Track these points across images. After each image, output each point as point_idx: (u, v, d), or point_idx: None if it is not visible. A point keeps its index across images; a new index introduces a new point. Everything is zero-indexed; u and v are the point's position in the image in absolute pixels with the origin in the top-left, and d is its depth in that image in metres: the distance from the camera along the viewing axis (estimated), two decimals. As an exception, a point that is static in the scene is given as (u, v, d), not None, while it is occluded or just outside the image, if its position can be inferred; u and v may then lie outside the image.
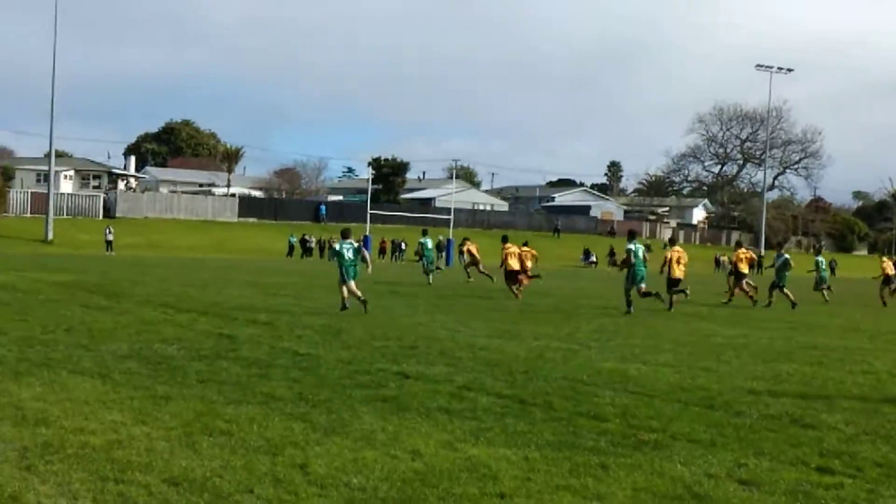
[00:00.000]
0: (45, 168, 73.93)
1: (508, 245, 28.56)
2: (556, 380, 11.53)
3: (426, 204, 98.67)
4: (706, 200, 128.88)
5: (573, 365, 12.99)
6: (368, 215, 64.78)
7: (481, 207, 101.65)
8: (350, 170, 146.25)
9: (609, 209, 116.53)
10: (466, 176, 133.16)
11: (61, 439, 7.41)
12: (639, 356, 14.35)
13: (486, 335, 16.51)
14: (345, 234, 21.55)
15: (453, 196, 76.32)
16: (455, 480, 6.76)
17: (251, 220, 79.37)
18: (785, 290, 28.83)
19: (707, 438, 8.51)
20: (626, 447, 8.02)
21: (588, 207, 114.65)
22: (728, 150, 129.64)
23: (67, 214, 72.75)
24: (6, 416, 8.20)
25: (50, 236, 63.67)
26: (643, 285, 23.41)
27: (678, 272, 25.10)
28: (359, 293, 20.32)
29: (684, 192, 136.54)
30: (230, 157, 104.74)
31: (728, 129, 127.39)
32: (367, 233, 63.52)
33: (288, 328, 16.30)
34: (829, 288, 34.01)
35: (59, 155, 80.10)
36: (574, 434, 8.43)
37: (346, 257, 20.71)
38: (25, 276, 27.89)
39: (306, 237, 69.19)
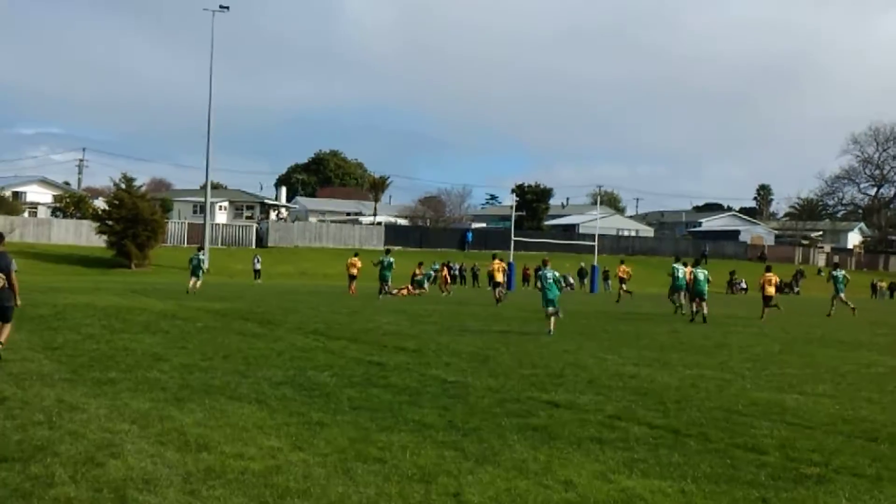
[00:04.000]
0: (201, 199, 76.84)
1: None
2: (711, 410, 11.25)
3: (570, 230, 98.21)
4: (862, 224, 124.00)
5: (727, 395, 12.66)
6: (512, 242, 64.76)
7: (626, 233, 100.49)
8: (493, 197, 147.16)
9: (759, 234, 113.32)
10: (611, 202, 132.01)
11: (222, 464, 7.64)
12: (795, 386, 13.87)
13: (635, 363, 16.27)
14: (200, 248, 44.42)
15: (598, 222, 75.65)
16: (610, 512, 6.66)
17: (397, 248, 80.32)
18: None
19: (873, 473, 8.16)
20: (787, 481, 7.75)
21: (737, 232, 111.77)
22: (885, 172, 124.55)
23: (222, 244, 75.33)
24: (170, 441, 8.51)
25: (206, 266, 65.89)
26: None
27: (498, 277, 39.78)
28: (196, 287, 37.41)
29: (838, 215, 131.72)
30: (377, 187, 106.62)
31: (885, 150, 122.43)
32: (511, 259, 63.55)
33: (435, 355, 16.42)
34: None
35: (214, 187, 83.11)
36: (732, 467, 8.19)
37: (197, 262, 39.17)
38: (184, 304, 28.94)
39: (450, 264, 69.55)
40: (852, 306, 35.12)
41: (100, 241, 65.13)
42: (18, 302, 14.07)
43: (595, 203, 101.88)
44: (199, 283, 38.52)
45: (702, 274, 30.58)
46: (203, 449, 8.20)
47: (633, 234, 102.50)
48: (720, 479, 7.76)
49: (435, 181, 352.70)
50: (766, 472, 8.04)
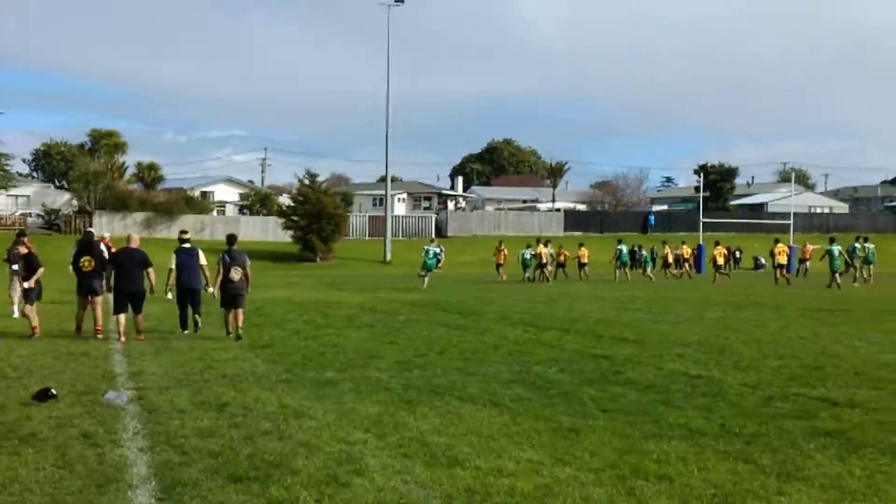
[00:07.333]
0: (379, 192, 77.41)
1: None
2: None
3: (756, 209, 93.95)
4: None
5: None
6: (701, 223, 62.07)
7: (818, 210, 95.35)
8: (669, 179, 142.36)
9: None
10: (800, 178, 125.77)
11: (484, 484, 6.56)
12: None
13: (893, 350, 14.42)
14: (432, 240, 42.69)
15: (792, 199, 71.70)
16: None
17: (577, 233, 78.62)
18: None
19: None
20: None
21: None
22: None
23: (402, 235, 75.45)
24: (414, 453, 7.50)
25: (388, 257, 66.14)
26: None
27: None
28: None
29: None
30: (555, 173, 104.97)
31: None
32: (700, 241, 60.98)
33: (662, 346, 15.01)
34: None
35: (392, 179, 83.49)
36: None
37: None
38: (378, 297, 28.43)
39: (635, 248, 67.44)
40: None
41: (285, 237, 66.20)
42: (249, 290, 16.58)
43: (782, 181, 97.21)
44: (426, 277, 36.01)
45: (836, 250, 35.45)
46: (455, 463, 7.14)
47: (826, 210, 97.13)
48: None
49: (608, 166, 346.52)
50: None
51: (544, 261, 42.75)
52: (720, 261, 44.57)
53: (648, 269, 45.37)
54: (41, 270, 16.47)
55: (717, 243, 46.89)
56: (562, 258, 46.77)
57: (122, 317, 16.02)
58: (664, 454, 7.42)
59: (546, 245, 44.49)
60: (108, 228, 55.24)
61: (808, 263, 47.37)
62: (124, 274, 16.16)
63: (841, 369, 12.26)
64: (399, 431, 8.31)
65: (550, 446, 7.75)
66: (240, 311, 16.15)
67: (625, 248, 44.04)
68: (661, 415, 9.10)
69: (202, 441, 7.92)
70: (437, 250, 37.51)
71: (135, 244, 16.64)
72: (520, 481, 6.61)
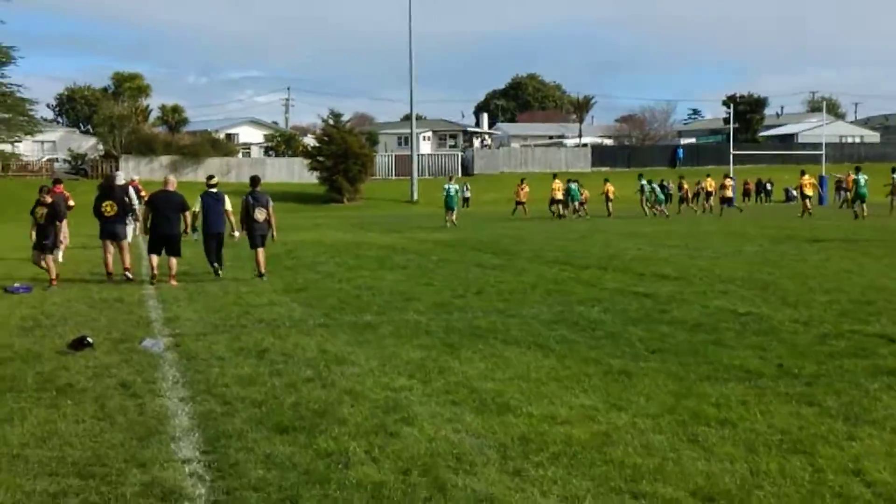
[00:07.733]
0: (405, 131, 76.58)
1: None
2: None
3: (787, 140, 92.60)
4: None
5: None
6: (731, 156, 61.16)
7: (849, 140, 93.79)
8: (695, 111, 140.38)
9: None
10: (830, 107, 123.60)
11: (538, 432, 6.30)
12: None
13: (943, 284, 14.02)
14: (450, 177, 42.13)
15: (823, 129, 70.60)
16: None
17: (604, 168, 77.69)
18: None
19: None
20: None
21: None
22: None
23: (429, 174, 74.92)
24: (463, 399, 7.25)
25: (415, 196, 65.74)
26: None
27: (558, 195, 41.62)
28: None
29: None
30: (581, 107, 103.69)
31: None
32: (731, 174, 60.20)
33: (705, 283, 14.66)
34: None
35: (416, 117, 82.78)
36: None
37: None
38: (408, 236, 28.17)
39: (664, 183, 66.59)
40: None
41: (311, 178, 65.88)
42: (275, 234, 17.06)
43: (811, 110, 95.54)
44: (454, 215, 36.10)
45: (862, 179, 34.69)
46: (505, 410, 6.89)
47: (857, 140, 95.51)
48: None
49: (633, 100, 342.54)
50: None
51: (559, 196, 42.02)
52: (728, 193, 44.19)
53: (662, 206, 44.53)
54: (60, 224, 16.54)
55: (726, 176, 46.43)
56: (584, 198, 46.13)
57: (154, 258, 15.99)
58: (723, 397, 7.13)
59: (571, 182, 43.85)
60: (134, 172, 55.05)
61: (848, 194, 46.47)
62: (161, 217, 16.07)
63: (893, 303, 11.90)
64: (444, 377, 8.07)
65: (603, 391, 7.48)
66: (261, 251, 16.42)
67: (646, 184, 43.25)
68: (713, 355, 8.80)
69: (244, 389, 7.71)
70: (457, 187, 38.04)
71: (172, 187, 16.55)
72: (575, 429, 6.35)
